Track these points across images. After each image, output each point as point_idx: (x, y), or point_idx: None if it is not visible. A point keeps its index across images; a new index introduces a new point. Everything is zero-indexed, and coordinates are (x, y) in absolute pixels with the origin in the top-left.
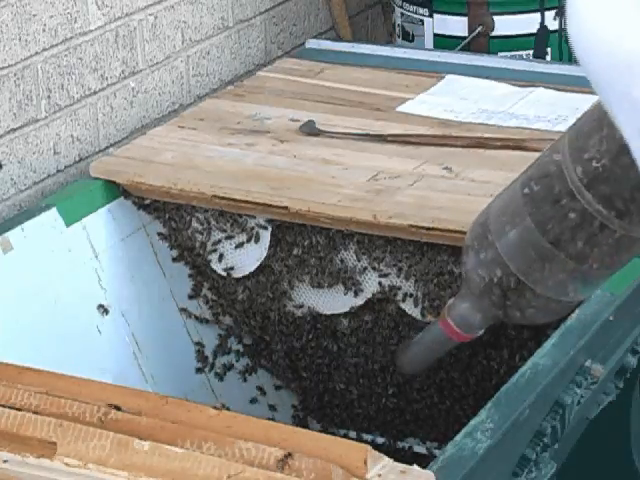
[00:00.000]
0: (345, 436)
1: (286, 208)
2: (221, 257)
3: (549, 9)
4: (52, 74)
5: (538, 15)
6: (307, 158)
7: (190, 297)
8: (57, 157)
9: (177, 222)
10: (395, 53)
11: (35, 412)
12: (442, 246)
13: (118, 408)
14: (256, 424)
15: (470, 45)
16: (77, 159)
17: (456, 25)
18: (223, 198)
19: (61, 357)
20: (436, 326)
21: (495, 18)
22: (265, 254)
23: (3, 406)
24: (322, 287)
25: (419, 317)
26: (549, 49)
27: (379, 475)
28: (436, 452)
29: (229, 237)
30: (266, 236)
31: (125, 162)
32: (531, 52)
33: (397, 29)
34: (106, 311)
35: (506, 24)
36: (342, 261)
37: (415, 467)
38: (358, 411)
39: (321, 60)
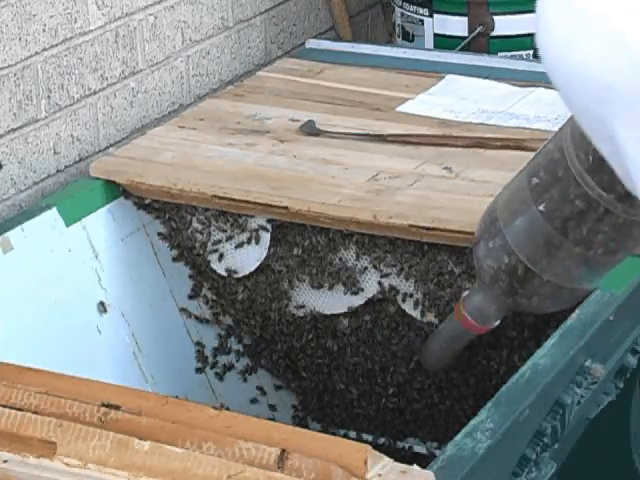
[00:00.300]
0: (345, 436)
1: (286, 208)
2: (221, 257)
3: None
4: (52, 74)
5: None
6: (307, 158)
7: (190, 297)
8: (57, 157)
9: (177, 222)
10: (395, 53)
11: (35, 412)
12: (442, 246)
13: (117, 408)
14: (256, 424)
15: (470, 45)
16: (77, 159)
17: (456, 25)
18: (223, 198)
19: (61, 357)
20: (453, 319)
21: (495, 18)
22: (265, 254)
23: (3, 406)
24: (322, 287)
25: (419, 317)
26: None
27: (379, 475)
28: (436, 452)
29: (229, 237)
30: (266, 236)
31: (125, 162)
32: (531, 52)
33: (397, 29)
34: (105, 308)
35: (506, 24)
36: (342, 261)
37: (415, 467)
38: (358, 411)
39: (321, 60)
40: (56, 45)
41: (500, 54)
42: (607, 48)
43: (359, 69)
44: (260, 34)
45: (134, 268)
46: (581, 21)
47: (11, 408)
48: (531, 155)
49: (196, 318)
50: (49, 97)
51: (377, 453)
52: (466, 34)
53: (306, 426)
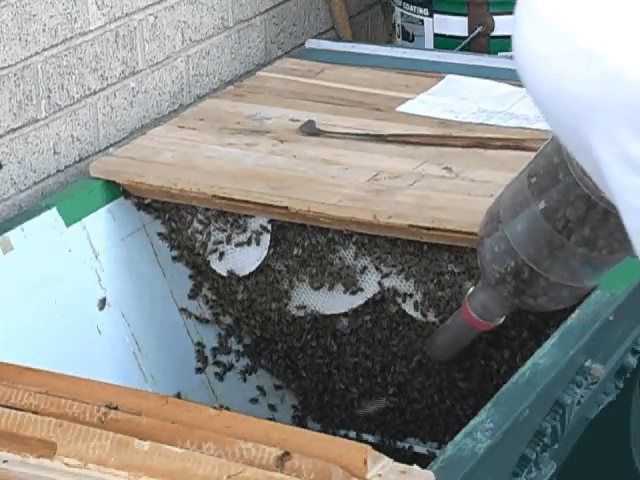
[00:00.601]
0: (345, 436)
1: (286, 208)
2: (221, 257)
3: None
4: (52, 74)
5: None
6: (307, 158)
7: (190, 297)
8: (57, 157)
9: (177, 222)
10: (395, 53)
11: (35, 412)
12: (442, 246)
13: (123, 410)
14: (256, 424)
15: (470, 45)
16: (77, 159)
17: (456, 25)
18: (223, 198)
19: (61, 357)
20: (458, 316)
21: (495, 18)
22: (265, 254)
23: (3, 406)
24: (322, 287)
25: (419, 317)
26: None
27: (379, 475)
28: (436, 452)
29: (229, 237)
30: (266, 236)
31: (125, 162)
32: None
33: (397, 29)
34: (104, 304)
35: (506, 24)
36: (342, 261)
37: (415, 467)
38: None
39: (321, 60)
40: (56, 45)
41: (500, 54)
42: (579, 63)
43: (359, 69)
44: (260, 34)
45: (134, 268)
46: (553, 37)
47: (11, 408)
48: (531, 155)
49: (196, 318)
50: (49, 97)
51: (377, 453)
52: (466, 34)
53: (306, 426)
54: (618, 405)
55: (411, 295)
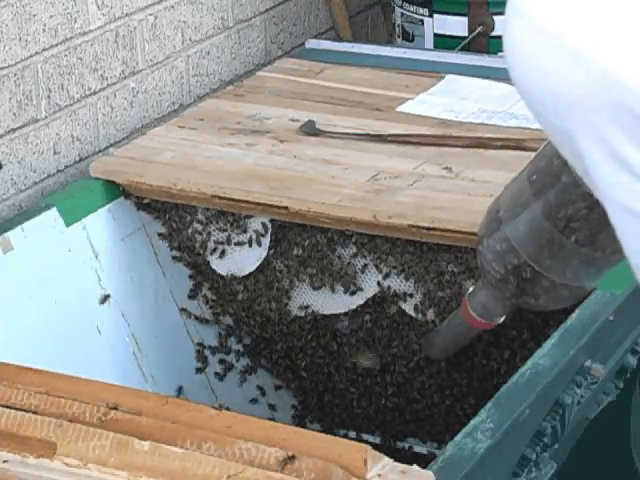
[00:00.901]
0: (345, 436)
1: (286, 208)
2: (221, 257)
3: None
4: (52, 74)
5: None
6: (307, 158)
7: (190, 297)
8: (57, 157)
9: (177, 222)
10: (395, 53)
11: (35, 412)
12: (442, 246)
13: (123, 410)
14: (256, 424)
15: (470, 45)
16: (77, 159)
17: (456, 25)
18: (223, 198)
19: (61, 357)
20: (458, 315)
21: (495, 18)
22: (265, 254)
23: (3, 406)
24: (322, 287)
25: (419, 317)
26: None
27: (379, 475)
28: (436, 452)
29: (229, 237)
30: (266, 236)
31: (125, 162)
32: None
33: (397, 29)
34: (107, 299)
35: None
36: (342, 261)
37: (415, 467)
38: (358, 411)
39: (321, 60)
40: (56, 45)
41: (500, 54)
42: (567, 63)
43: (359, 69)
44: (260, 34)
45: (134, 268)
46: (541, 38)
47: (11, 408)
48: (531, 155)
49: (196, 318)
50: (49, 97)
51: (377, 453)
52: (466, 34)
53: (306, 426)
54: (618, 405)
55: (411, 295)
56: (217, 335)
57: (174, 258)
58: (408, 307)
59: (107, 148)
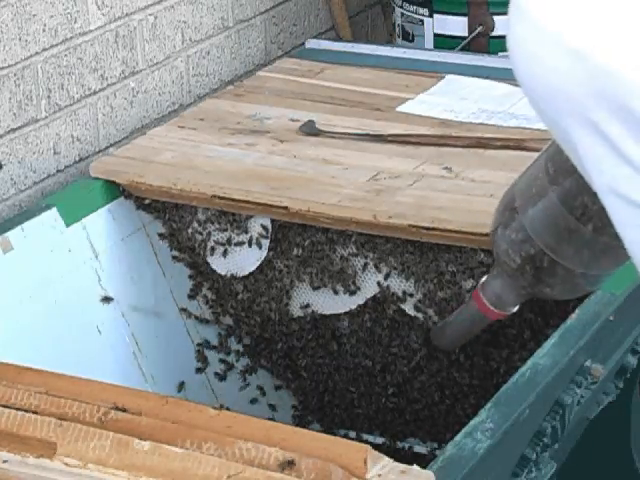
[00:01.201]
0: (345, 436)
1: (286, 208)
2: (221, 257)
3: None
4: (52, 74)
5: None
6: (307, 158)
7: (190, 297)
8: (57, 157)
9: (177, 222)
10: (395, 53)
11: (35, 412)
12: (442, 246)
13: (124, 410)
14: (256, 424)
15: (470, 45)
16: (77, 159)
17: (456, 25)
18: (223, 198)
19: (61, 357)
20: (470, 304)
21: (495, 18)
22: (265, 254)
23: (3, 406)
24: (322, 287)
25: (419, 317)
26: None
27: (379, 475)
28: (436, 452)
29: (229, 237)
30: (266, 236)
31: (125, 162)
32: None
33: (397, 29)
34: (109, 300)
35: (506, 24)
36: (342, 261)
37: (415, 467)
38: (358, 411)
39: (321, 60)
40: (56, 45)
41: (500, 54)
42: (567, 61)
43: (359, 69)
44: (260, 34)
45: (134, 268)
46: (542, 37)
47: (11, 408)
48: (531, 155)
49: (196, 318)
50: (49, 97)
51: (377, 453)
52: (466, 34)
53: (306, 426)
54: (618, 405)
55: (411, 295)
56: (217, 335)
57: (174, 258)
58: (408, 307)
59: (107, 148)
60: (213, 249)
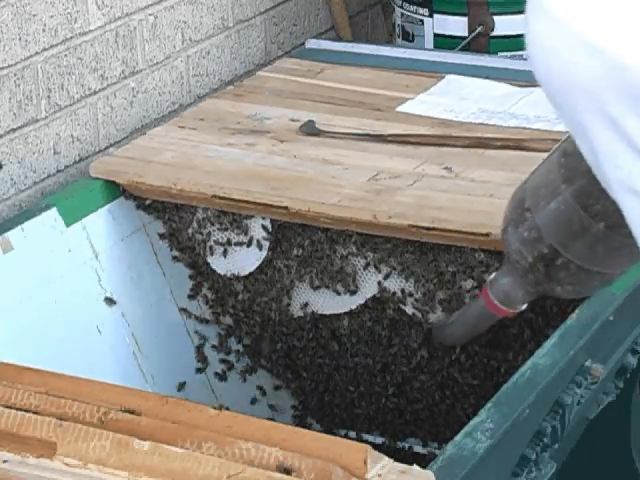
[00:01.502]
0: (345, 436)
1: (286, 208)
2: (221, 257)
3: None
4: (52, 74)
5: None
6: (307, 158)
7: (190, 297)
8: (57, 157)
9: (177, 222)
10: (395, 53)
11: (35, 412)
12: (442, 246)
13: (124, 410)
14: (256, 424)
15: (470, 45)
16: (77, 159)
17: (456, 25)
18: (223, 198)
19: (61, 357)
20: (478, 302)
21: (495, 18)
22: (265, 254)
23: (3, 406)
24: (322, 287)
25: (419, 317)
26: None
27: (379, 475)
28: (436, 452)
29: (229, 237)
30: (266, 236)
31: (125, 162)
32: None
33: (397, 29)
34: (112, 302)
35: (506, 24)
36: (342, 261)
37: (415, 467)
38: (358, 411)
39: (321, 60)
40: (56, 45)
41: (500, 54)
42: (584, 55)
43: (359, 69)
44: (260, 34)
45: (134, 268)
46: (561, 32)
47: (11, 408)
48: (531, 155)
49: (196, 318)
50: (49, 97)
51: (377, 453)
52: (466, 34)
53: (306, 426)
54: (618, 405)
55: (411, 295)
56: (217, 335)
57: (174, 258)
58: (408, 307)
59: (107, 148)
60: (213, 249)
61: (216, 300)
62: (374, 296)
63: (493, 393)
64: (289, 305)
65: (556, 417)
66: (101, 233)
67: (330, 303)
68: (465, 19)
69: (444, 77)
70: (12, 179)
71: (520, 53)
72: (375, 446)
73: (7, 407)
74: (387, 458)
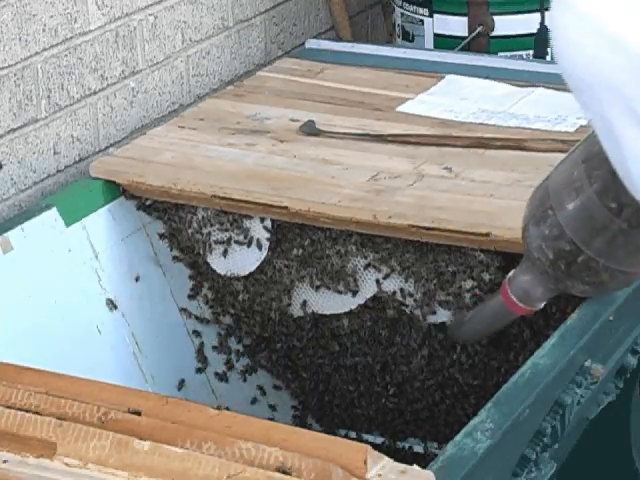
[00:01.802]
0: (345, 436)
1: (286, 208)
2: (221, 257)
3: (549, 9)
4: (52, 74)
5: (538, 15)
6: (307, 158)
7: (190, 297)
8: (57, 157)
9: (177, 222)
10: (395, 53)
11: (35, 412)
12: (442, 246)
13: (124, 410)
14: (256, 424)
15: (470, 45)
16: (77, 159)
17: (456, 25)
18: (223, 198)
19: (61, 357)
20: (497, 299)
21: (495, 18)
22: (265, 254)
23: (3, 406)
24: (322, 287)
25: (419, 317)
26: (549, 49)
27: (379, 475)
28: (436, 452)
29: (229, 237)
30: (266, 236)
31: (125, 162)
32: (531, 52)
33: (397, 29)
34: (114, 306)
35: (506, 24)
36: (342, 261)
37: (415, 467)
38: (358, 411)
39: (321, 60)
40: (56, 45)
41: (500, 54)
42: (608, 50)
43: (359, 69)
44: (260, 34)
45: (134, 268)
46: (586, 27)
47: (11, 408)
48: (531, 155)
49: (196, 318)
50: (49, 97)
51: (377, 453)
52: (466, 34)
53: (306, 426)
54: (618, 405)
55: (411, 295)
56: (217, 335)
57: (174, 258)
58: (408, 307)
59: (107, 148)
60: (213, 249)
61: (216, 300)
62: (374, 296)
63: (493, 393)
64: (289, 305)
65: (556, 417)
66: (101, 233)
67: (330, 303)
68: (465, 19)
69: (444, 77)
70: (12, 179)
71: (520, 53)
72: (375, 446)
73: (7, 407)
74: (387, 458)
